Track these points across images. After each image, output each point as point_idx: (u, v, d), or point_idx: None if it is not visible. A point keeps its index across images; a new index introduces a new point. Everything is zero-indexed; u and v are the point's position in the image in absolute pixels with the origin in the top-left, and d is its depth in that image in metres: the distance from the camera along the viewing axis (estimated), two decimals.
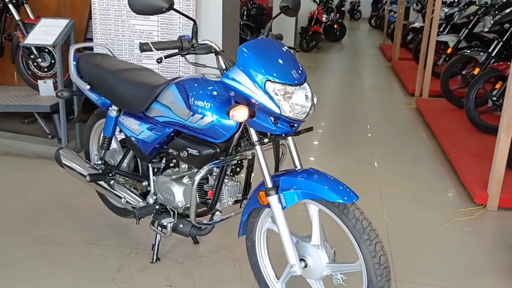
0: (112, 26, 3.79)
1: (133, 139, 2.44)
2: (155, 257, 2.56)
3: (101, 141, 2.72)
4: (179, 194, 2.31)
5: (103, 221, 3.01)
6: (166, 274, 2.47)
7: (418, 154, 4.55)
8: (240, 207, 2.31)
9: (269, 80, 1.80)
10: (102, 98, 2.61)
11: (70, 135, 4.21)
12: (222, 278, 2.46)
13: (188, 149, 2.15)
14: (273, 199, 1.91)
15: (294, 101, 1.82)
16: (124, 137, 2.68)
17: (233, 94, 1.87)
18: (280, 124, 1.87)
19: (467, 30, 6.99)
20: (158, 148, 2.37)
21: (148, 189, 2.53)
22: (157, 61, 1.83)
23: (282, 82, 1.81)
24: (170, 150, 2.26)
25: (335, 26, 13.18)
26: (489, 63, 5.46)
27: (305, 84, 1.86)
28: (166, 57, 1.86)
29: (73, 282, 2.38)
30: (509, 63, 4.76)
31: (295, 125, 1.91)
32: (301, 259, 1.96)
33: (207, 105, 2.03)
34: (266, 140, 1.98)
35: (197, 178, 2.06)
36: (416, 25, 9.81)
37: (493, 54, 5.51)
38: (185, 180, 2.34)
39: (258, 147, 1.94)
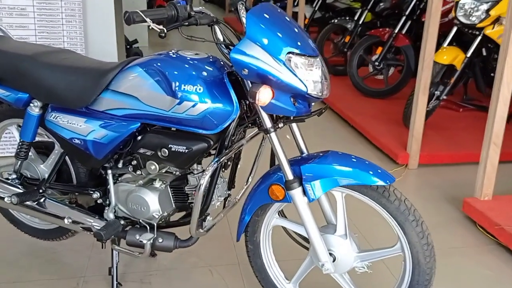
0: None
1: (77, 141, 1.90)
2: (115, 282, 2.08)
3: (17, 148, 2.09)
4: (153, 203, 1.88)
5: (24, 250, 2.37)
6: None
7: (323, 124, 4.60)
8: (224, 206, 1.98)
9: (291, 53, 1.51)
10: (15, 92, 1.99)
11: None
12: None
13: (170, 146, 1.75)
14: (296, 193, 1.65)
15: (315, 75, 1.57)
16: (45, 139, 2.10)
17: (247, 72, 1.54)
18: (299, 104, 1.61)
19: (320, 1, 7.28)
20: (115, 149, 1.89)
21: (99, 201, 2.02)
22: (160, 36, 1.40)
23: (304, 54, 1.54)
24: (141, 150, 1.81)
25: None
26: (357, 31, 5.76)
27: (320, 56, 1.62)
28: (168, 29, 1.44)
29: None
30: (387, 29, 5.05)
31: (312, 104, 1.67)
32: None
33: (199, 89, 1.65)
34: (281, 125, 1.69)
35: (204, 181, 1.67)
36: None
37: (360, 22, 5.81)
38: (157, 184, 1.91)
39: (273, 135, 1.65)
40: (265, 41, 1.52)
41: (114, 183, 1.97)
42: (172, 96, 1.68)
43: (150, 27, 1.44)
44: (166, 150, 1.76)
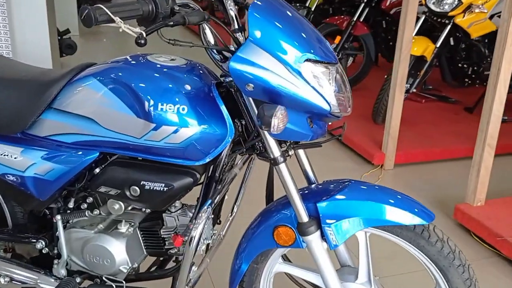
0: None
1: (11, 179, 1.42)
2: None
3: None
4: (119, 253, 1.45)
5: None
6: None
7: None
8: (207, 249, 1.58)
9: (309, 60, 1.14)
10: None
11: None
12: None
13: (142, 183, 1.32)
14: (314, 238, 1.29)
15: (337, 88, 1.21)
16: None
17: (252, 88, 1.14)
18: (316, 125, 1.24)
19: None
20: (64, 186, 1.43)
21: (45, 251, 1.56)
22: (138, 43, 0.97)
23: (324, 61, 1.17)
24: (102, 189, 1.37)
25: None
26: (310, 18, 5.45)
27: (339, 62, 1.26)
28: (148, 32, 1.01)
29: None
30: (343, 16, 4.77)
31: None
32: None
33: (183, 109, 1.24)
34: (291, 152, 1.31)
35: (197, 233, 1.26)
36: None
37: (312, 9, 5.49)
38: (123, 227, 1.47)
39: (283, 166, 1.27)
40: (276, 45, 1.13)
41: (64, 227, 1.51)
42: (145, 119, 1.25)
43: (121, 30, 1.00)
44: (137, 188, 1.33)
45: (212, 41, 1.24)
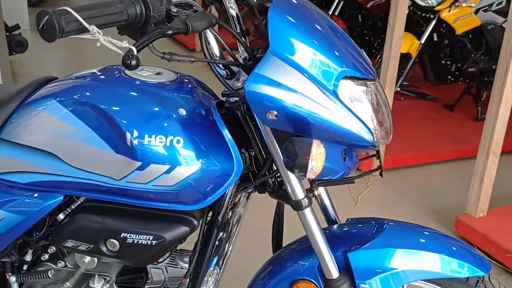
0: None
1: None
2: None
3: None
4: None
5: None
6: None
7: None
8: None
9: (346, 77, 0.87)
10: None
11: None
12: None
13: (123, 235, 1.02)
14: None
15: (379, 111, 0.95)
16: None
17: (275, 117, 0.86)
18: (348, 157, 0.98)
19: None
20: (19, 238, 1.11)
21: None
22: (127, 64, 0.67)
23: (362, 77, 0.91)
24: (69, 243, 1.06)
25: None
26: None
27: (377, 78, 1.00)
28: (140, 47, 0.71)
29: None
30: None
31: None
32: None
33: (178, 142, 0.94)
34: (317, 193, 1.04)
35: None
36: None
37: None
38: (96, 284, 1.16)
39: (308, 211, 0.99)
40: (307, 58, 0.85)
41: (20, 286, 1.19)
42: (126, 156, 0.94)
43: (99, 44, 0.69)
44: (116, 242, 1.03)
45: (217, 51, 0.94)
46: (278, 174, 1.04)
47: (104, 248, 1.04)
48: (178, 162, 0.94)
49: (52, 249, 1.18)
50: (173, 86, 1.02)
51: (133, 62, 0.69)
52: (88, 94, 0.98)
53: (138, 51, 0.71)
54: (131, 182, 0.96)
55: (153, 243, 1.01)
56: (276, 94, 0.85)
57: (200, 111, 1.00)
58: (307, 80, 0.86)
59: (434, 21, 3.40)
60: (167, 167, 0.94)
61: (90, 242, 1.04)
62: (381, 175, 1.06)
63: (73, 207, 1.09)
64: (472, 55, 3.62)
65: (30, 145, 1.01)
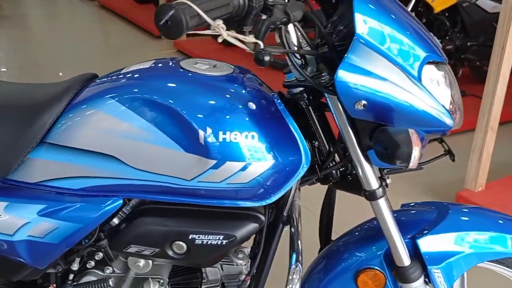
0: None
1: None
2: None
3: None
4: None
5: None
6: None
7: None
8: None
9: (429, 62, 0.86)
10: None
11: None
12: None
13: (192, 237, 0.98)
14: (418, 285, 1.03)
15: (455, 95, 0.95)
16: None
17: (363, 107, 0.83)
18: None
19: None
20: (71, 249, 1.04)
21: None
22: (260, 60, 0.63)
23: (442, 61, 0.90)
24: (131, 249, 1.00)
25: None
26: None
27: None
28: (262, 37, 0.67)
29: None
30: None
31: None
32: None
33: (253, 137, 0.91)
34: (389, 181, 1.02)
35: None
36: None
37: None
38: (151, 286, 1.11)
39: (382, 201, 0.98)
40: (394, 44, 0.83)
41: None
42: (199, 155, 0.90)
43: (220, 39, 0.64)
44: (184, 245, 0.98)
45: (295, 41, 0.90)
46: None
47: (170, 252, 0.99)
48: (253, 158, 0.90)
49: (99, 255, 1.12)
50: (234, 78, 0.97)
51: (267, 58, 0.65)
52: (148, 90, 0.92)
53: (263, 43, 0.66)
54: (203, 182, 0.91)
55: (224, 243, 0.98)
56: (368, 83, 0.83)
57: (266, 103, 0.96)
58: (394, 68, 0.84)
59: (413, 0, 3.44)
60: (243, 164, 0.90)
61: (155, 246, 0.99)
62: (452, 159, 1.06)
63: (125, 211, 1.03)
64: (449, 33, 3.69)
65: (84, 148, 0.95)
